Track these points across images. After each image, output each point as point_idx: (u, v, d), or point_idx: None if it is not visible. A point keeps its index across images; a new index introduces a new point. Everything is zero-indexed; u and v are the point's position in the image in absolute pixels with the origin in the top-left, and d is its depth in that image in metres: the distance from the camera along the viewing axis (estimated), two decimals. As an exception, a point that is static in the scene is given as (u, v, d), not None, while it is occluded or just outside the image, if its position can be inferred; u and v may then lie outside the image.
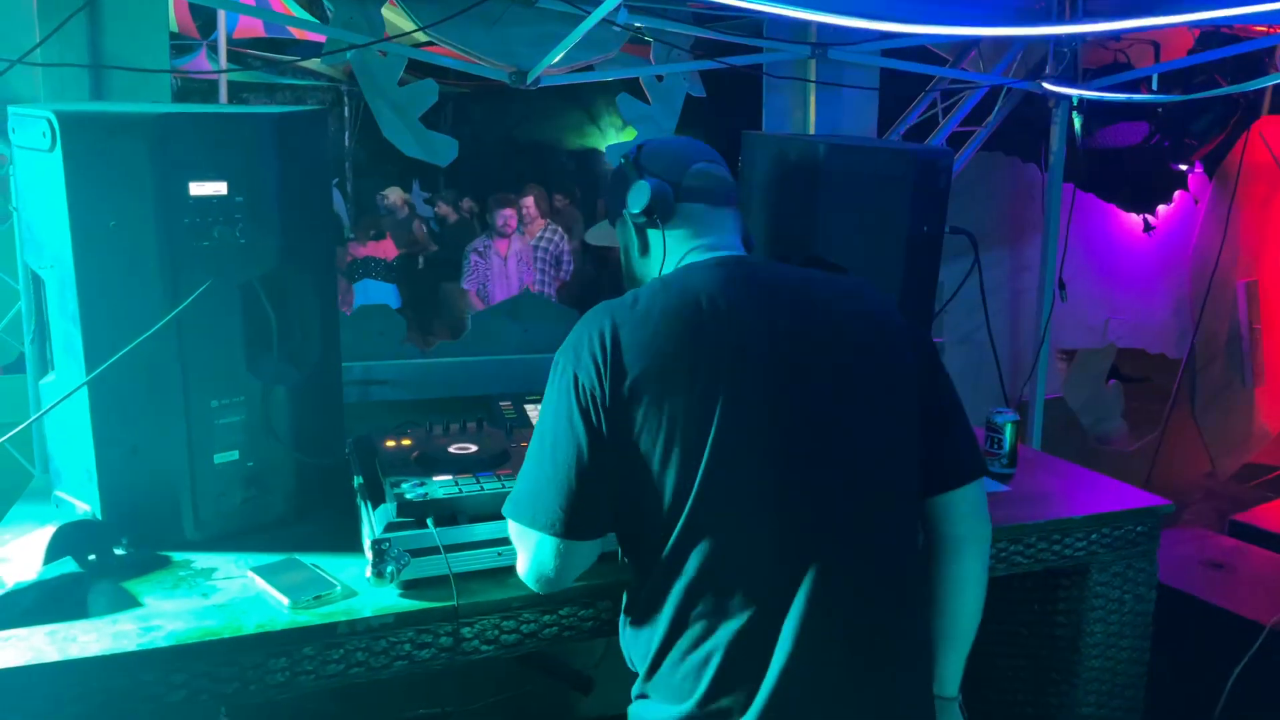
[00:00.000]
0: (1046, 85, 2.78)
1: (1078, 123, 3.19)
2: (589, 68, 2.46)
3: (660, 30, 2.41)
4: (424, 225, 6.85)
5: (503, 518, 1.44)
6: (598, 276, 5.94)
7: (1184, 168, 3.65)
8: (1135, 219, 3.60)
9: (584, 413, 1.23)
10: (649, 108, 2.57)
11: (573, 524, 1.25)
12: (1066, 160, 3.10)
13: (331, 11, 2.20)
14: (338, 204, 6.69)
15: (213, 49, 4.85)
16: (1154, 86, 3.13)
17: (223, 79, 3.76)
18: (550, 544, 1.27)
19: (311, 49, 4.88)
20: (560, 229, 5.80)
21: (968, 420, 1.39)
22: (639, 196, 1.40)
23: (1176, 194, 3.66)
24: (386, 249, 6.12)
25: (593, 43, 2.21)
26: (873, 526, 1.27)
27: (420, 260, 6.46)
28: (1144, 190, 3.58)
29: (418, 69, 2.28)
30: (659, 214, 1.39)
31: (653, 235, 1.43)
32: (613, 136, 7.50)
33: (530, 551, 1.30)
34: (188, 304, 1.45)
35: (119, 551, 1.53)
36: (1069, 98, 2.93)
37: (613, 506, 1.30)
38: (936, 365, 1.38)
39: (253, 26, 5.16)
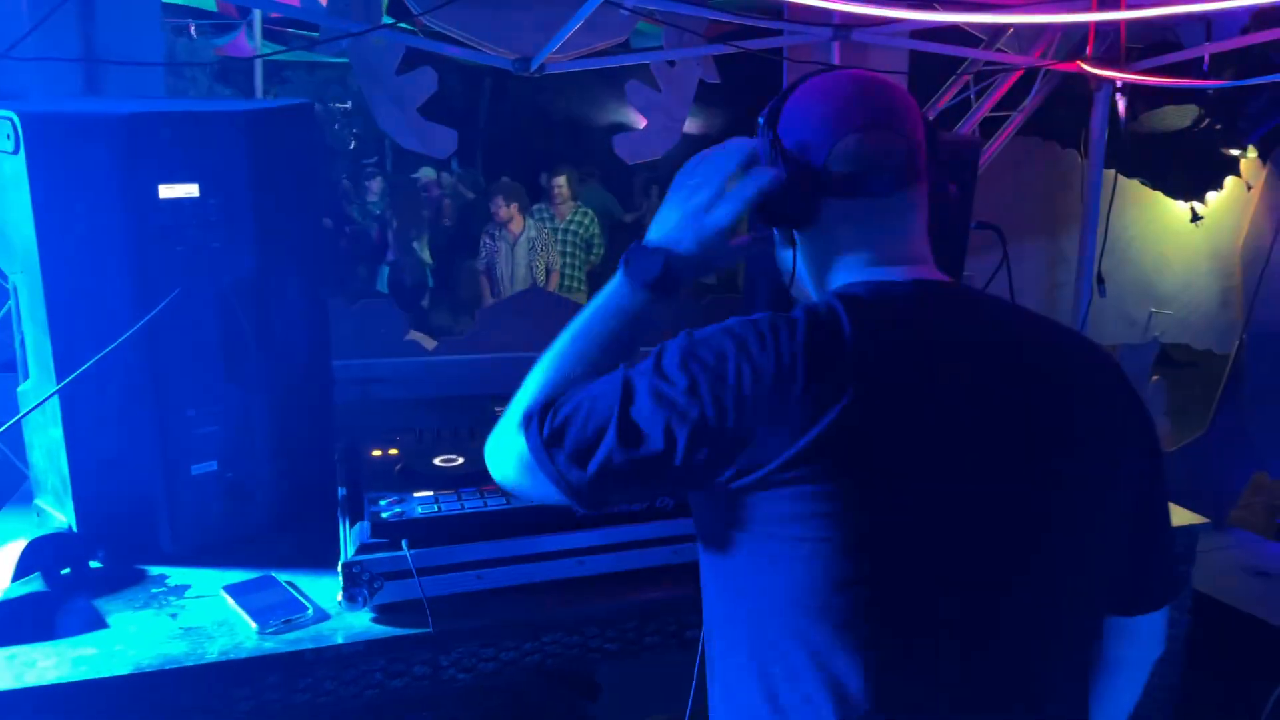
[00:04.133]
0: (1086, 68, 2.62)
1: (1121, 105, 3.01)
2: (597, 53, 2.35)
3: (672, 13, 2.29)
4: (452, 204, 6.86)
5: (482, 540, 1.37)
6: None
7: (1236, 152, 3.44)
8: (1180, 207, 3.41)
9: (714, 429, 0.89)
10: (659, 95, 2.45)
11: (589, 492, 0.94)
12: (1109, 145, 2.93)
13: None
14: (379, 188, 6.69)
15: (251, 27, 4.82)
16: (1205, 68, 2.94)
17: (259, 62, 3.74)
18: (548, 486, 0.95)
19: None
20: (591, 211, 5.68)
21: (1173, 531, 1.09)
22: (748, 188, 1.00)
23: (1227, 180, 3.45)
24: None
25: (601, 27, 2.11)
26: (1061, 649, 0.99)
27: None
28: (1193, 176, 3.38)
29: (416, 56, 2.19)
30: (794, 219, 1.01)
31: (787, 245, 1.05)
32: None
33: (519, 466, 0.98)
34: (155, 313, 1.39)
35: (94, 565, 1.49)
36: (1112, 80, 2.76)
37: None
38: (1161, 462, 1.05)
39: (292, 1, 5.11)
